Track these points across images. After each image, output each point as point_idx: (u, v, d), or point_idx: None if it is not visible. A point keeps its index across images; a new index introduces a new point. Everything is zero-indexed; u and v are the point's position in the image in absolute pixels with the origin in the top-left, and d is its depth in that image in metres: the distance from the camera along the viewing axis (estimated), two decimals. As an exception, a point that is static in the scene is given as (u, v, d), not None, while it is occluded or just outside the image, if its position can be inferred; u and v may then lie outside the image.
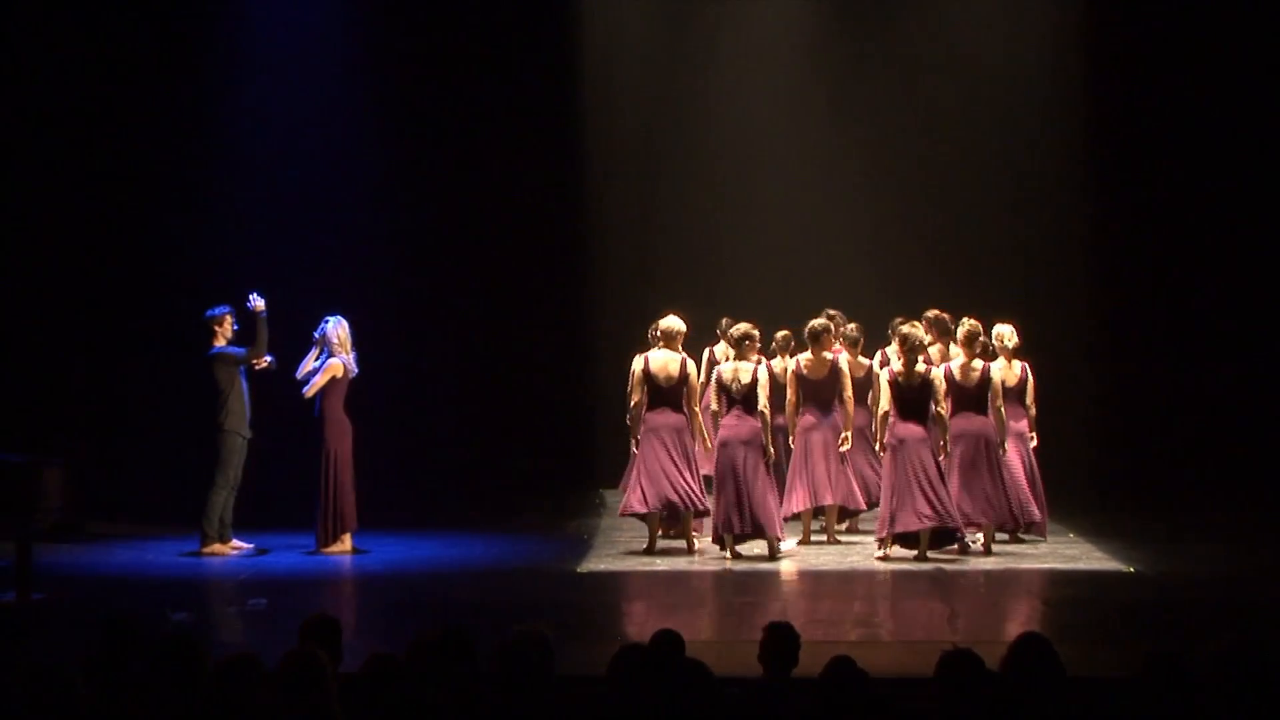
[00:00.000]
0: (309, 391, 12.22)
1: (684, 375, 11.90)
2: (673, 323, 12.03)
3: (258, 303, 12.36)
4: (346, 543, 12.24)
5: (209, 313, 12.47)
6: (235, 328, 12.45)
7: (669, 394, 11.90)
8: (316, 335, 12.32)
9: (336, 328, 12.31)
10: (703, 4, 16.56)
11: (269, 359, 12.42)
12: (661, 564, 11.61)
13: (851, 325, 12.82)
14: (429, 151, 16.15)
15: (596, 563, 11.71)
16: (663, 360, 11.92)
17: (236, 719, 4.94)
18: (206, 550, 12.17)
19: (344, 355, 12.26)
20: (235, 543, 12.32)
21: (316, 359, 12.28)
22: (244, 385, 12.36)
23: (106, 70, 15.46)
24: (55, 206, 15.54)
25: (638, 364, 12.03)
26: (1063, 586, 10.81)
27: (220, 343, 12.40)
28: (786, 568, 11.42)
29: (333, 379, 12.20)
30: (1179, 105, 15.71)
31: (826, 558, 11.88)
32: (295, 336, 12.59)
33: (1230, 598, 10.21)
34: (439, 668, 5.50)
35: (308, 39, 15.91)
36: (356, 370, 12.35)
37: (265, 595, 10.36)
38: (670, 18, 16.44)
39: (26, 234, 15.50)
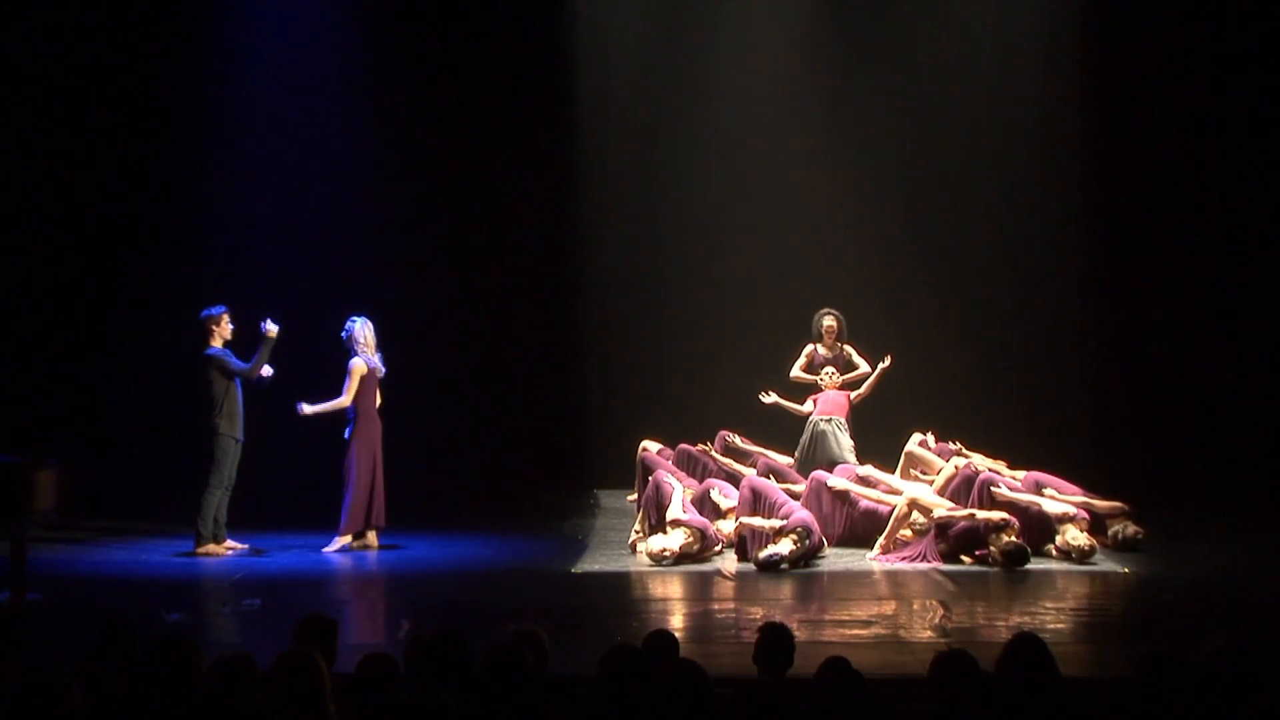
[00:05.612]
0: (346, 399, 12.29)
1: None
2: None
3: (271, 329, 12.34)
4: (372, 539, 12.32)
5: (205, 312, 12.44)
6: (232, 327, 12.41)
7: None
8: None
9: (363, 328, 12.45)
10: (699, 2, 16.55)
11: (267, 370, 12.41)
12: (656, 564, 11.60)
13: None
14: (426, 155, 16.13)
15: (591, 563, 11.71)
16: None
17: (231, 719, 4.94)
18: (201, 550, 12.16)
19: (367, 355, 12.33)
20: (230, 543, 12.31)
21: None
22: (238, 390, 12.33)
23: (106, 71, 15.47)
24: (52, 207, 15.54)
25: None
26: (1057, 587, 10.81)
27: (216, 343, 12.36)
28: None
29: (360, 378, 12.27)
30: (1176, 99, 15.71)
31: (821, 559, 11.88)
32: (289, 338, 12.57)
33: (1225, 598, 10.22)
34: (433, 668, 5.50)
35: (307, 44, 15.92)
36: (384, 370, 12.47)
37: (259, 595, 10.37)
38: (667, 16, 16.43)
39: (23, 234, 15.51)
